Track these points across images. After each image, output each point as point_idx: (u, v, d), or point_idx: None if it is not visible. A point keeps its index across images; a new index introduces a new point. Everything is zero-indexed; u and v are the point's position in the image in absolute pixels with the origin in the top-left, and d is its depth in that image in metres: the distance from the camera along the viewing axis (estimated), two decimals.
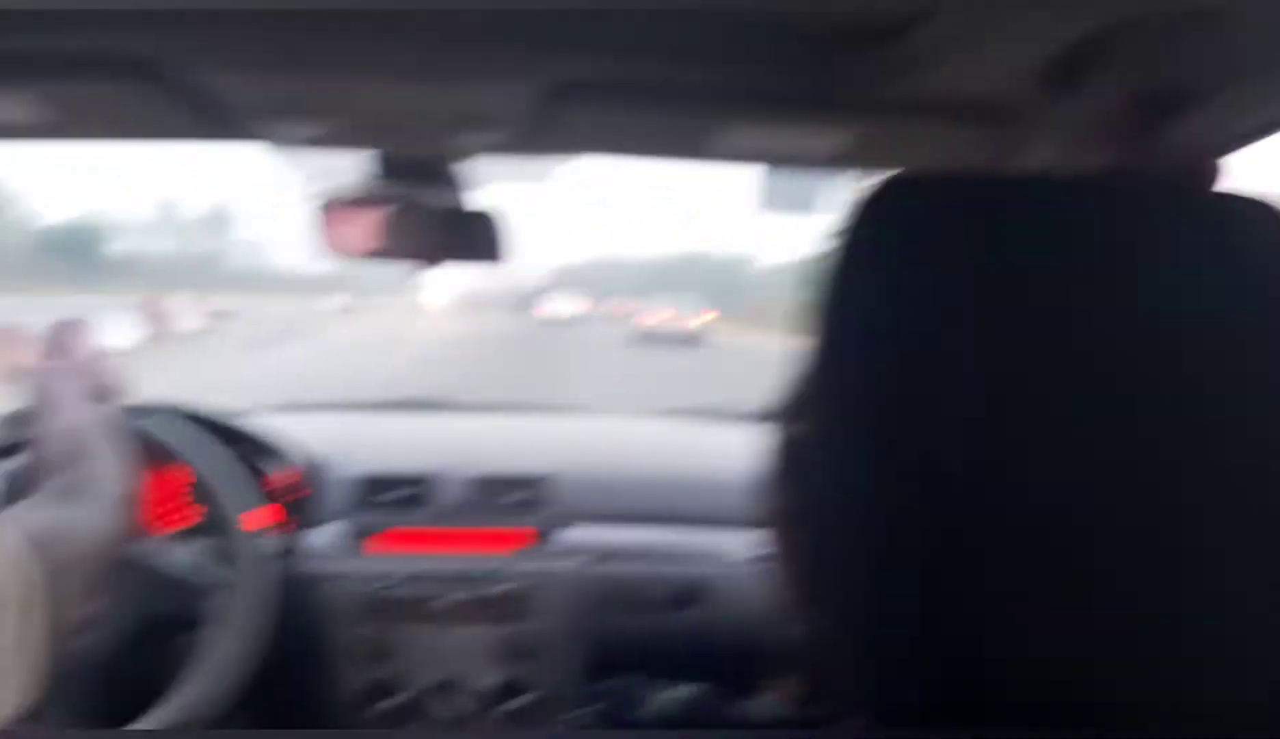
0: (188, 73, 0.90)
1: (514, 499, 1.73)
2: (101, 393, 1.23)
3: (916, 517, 0.43)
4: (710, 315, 24.54)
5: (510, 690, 1.64)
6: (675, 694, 0.70)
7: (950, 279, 0.44)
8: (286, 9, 0.82)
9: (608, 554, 1.69)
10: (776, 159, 1.09)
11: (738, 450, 1.96)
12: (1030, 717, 0.44)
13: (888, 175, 0.49)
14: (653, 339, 22.84)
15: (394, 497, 1.71)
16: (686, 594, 1.67)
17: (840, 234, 0.50)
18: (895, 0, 0.77)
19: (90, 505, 0.88)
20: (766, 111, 0.93)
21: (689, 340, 23.13)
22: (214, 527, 1.65)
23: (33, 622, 0.69)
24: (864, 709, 0.50)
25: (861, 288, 0.47)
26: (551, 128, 0.99)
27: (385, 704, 1.63)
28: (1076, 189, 0.48)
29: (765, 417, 1.94)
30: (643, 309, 25.51)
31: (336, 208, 1.26)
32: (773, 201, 1.30)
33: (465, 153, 1.13)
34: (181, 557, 1.40)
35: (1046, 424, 0.42)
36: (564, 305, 33.07)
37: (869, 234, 0.48)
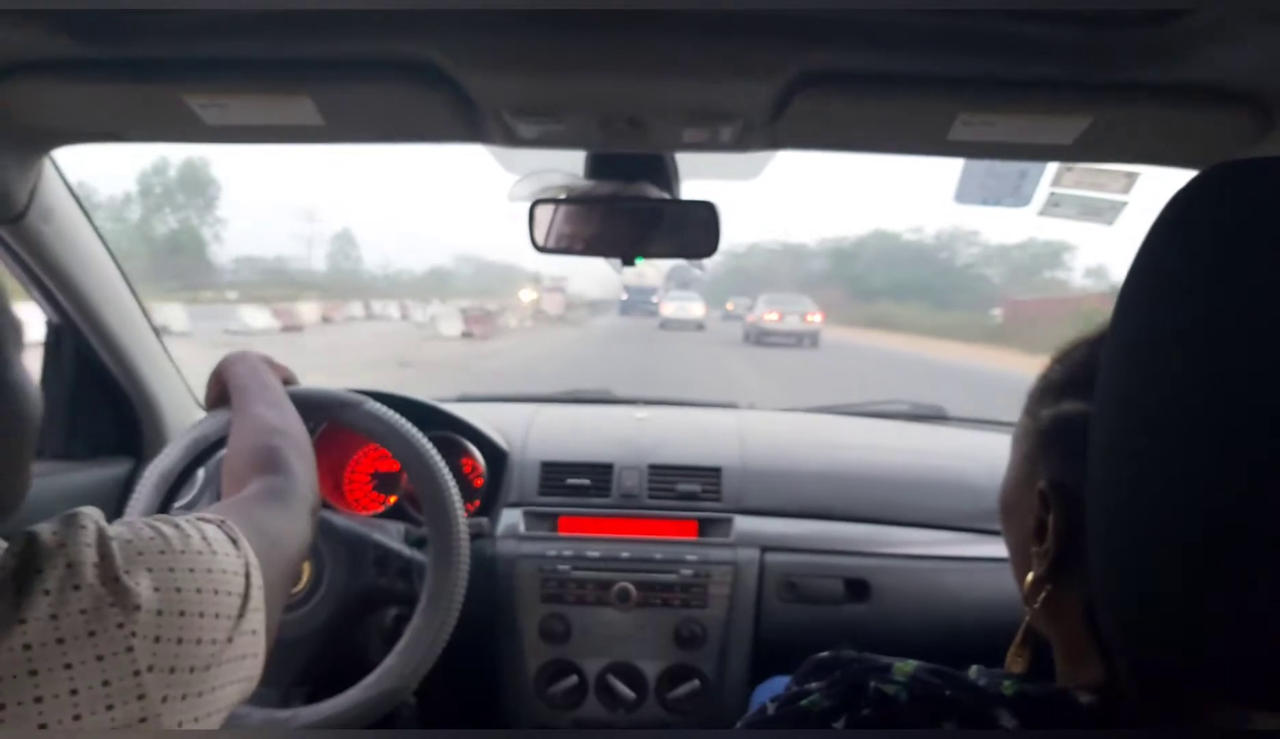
0: (451, 76, 0.97)
1: (689, 488, 1.77)
2: (286, 380, 1.33)
3: (1238, 502, 0.45)
4: (819, 316, 24.44)
5: (680, 675, 1.69)
6: (903, 667, 0.72)
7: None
8: (539, 9, 0.88)
9: (778, 545, 1.72)
10: (1011, 150, 1.10)
11: (894, 446, 1.99)
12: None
13: (1220, 164, 0.50)
14: (771, 337, 22.96)
15: (576, 483, 1.78)
16: (858, 588, 1.68)
17: (1168, 222, 0.51)
18: None
19: (295, 512, 0.98)
20: (1011, 99, 0.94)
21: (807, 338, 23.32)
22: (408, 510, 1.75)
23: (263, 621, 0.78)
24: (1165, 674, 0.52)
25: (1192, 272, 0.48)
26: (786, 122, 1.03)
27: (561, 684, 1.69)
28: None
29: (923, 414, 1.91)
30: (758, 308, 25.42)
31: (544, 204, 1.32)
32: (970, 194, 1.29)
33: (692, 147, 1.17)
34: (386, 537, 1.48)
35: None
36: (685, 307, 31.47)
37: (1200, 220, 0.49)
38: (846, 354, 20.70)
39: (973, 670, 0.71)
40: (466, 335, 23.75)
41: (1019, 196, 1.32)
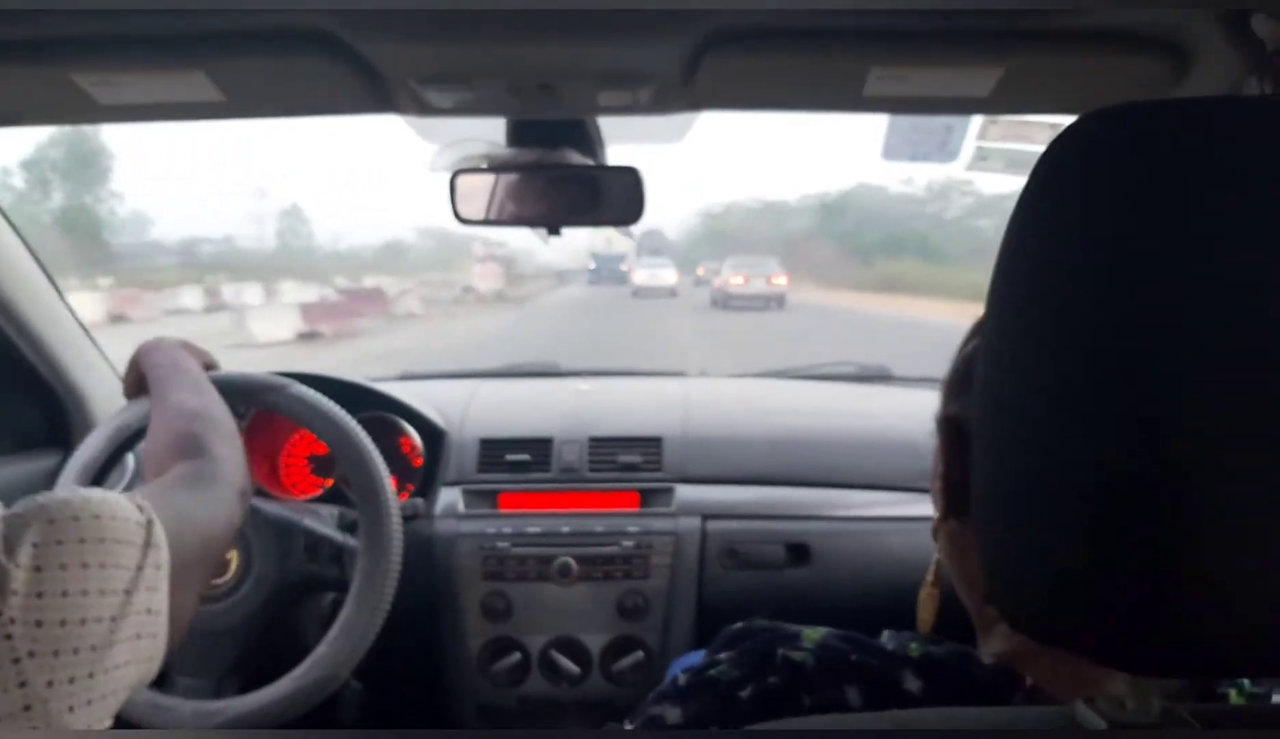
0: (349, 45, 0.94)
1: (630, 460, 1.76)
2: (207, 365, 1.30)
3: (1104, 436, 0.44)
4: (784, 278, 24.47)
5: (624, 647, 1.68)
6: (812, 634, 0.72)
7: (1164, 205, 0.44)
8: None
9: (720, 512, 1.72)
10: (929, 104, 1.08)
11: (839, 409, 1.99)
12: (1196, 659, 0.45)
13: (1089, 113, 0.49)
14: (737, 300, 23.02)
15: (515, 459, 1.76)
16: (800, 552, 1.68)
17: (1045, 174, 0.50)
18: None
19: (219, 495, 0.95)
20: (923, 51, 0.93)
21: (774, 301, 23.36)
22: (346, 492, 1.72)
23: (164, 600, 0.75)
24: (1038, 637, 0.51)
25: (1078, 215, 0.47)
26: (700, 83, 1.00)
27: (504, 662, 1.68)
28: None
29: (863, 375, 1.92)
30: (724, 272, 25.39)
31: (466, 174, 1.29)
32: (897, 150, 1.28)
33: (609, 111, 1.14)
34: (317, 522, 1.45)
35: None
36: (657, 274, 30.76)
37: (1078, 167, 0.48)
38: (886, 336, 15.10)
39: (885, 635, 0.71)
40: (308, 337, 17.00)
41: (946, 151, 1.31)
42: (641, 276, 30.84)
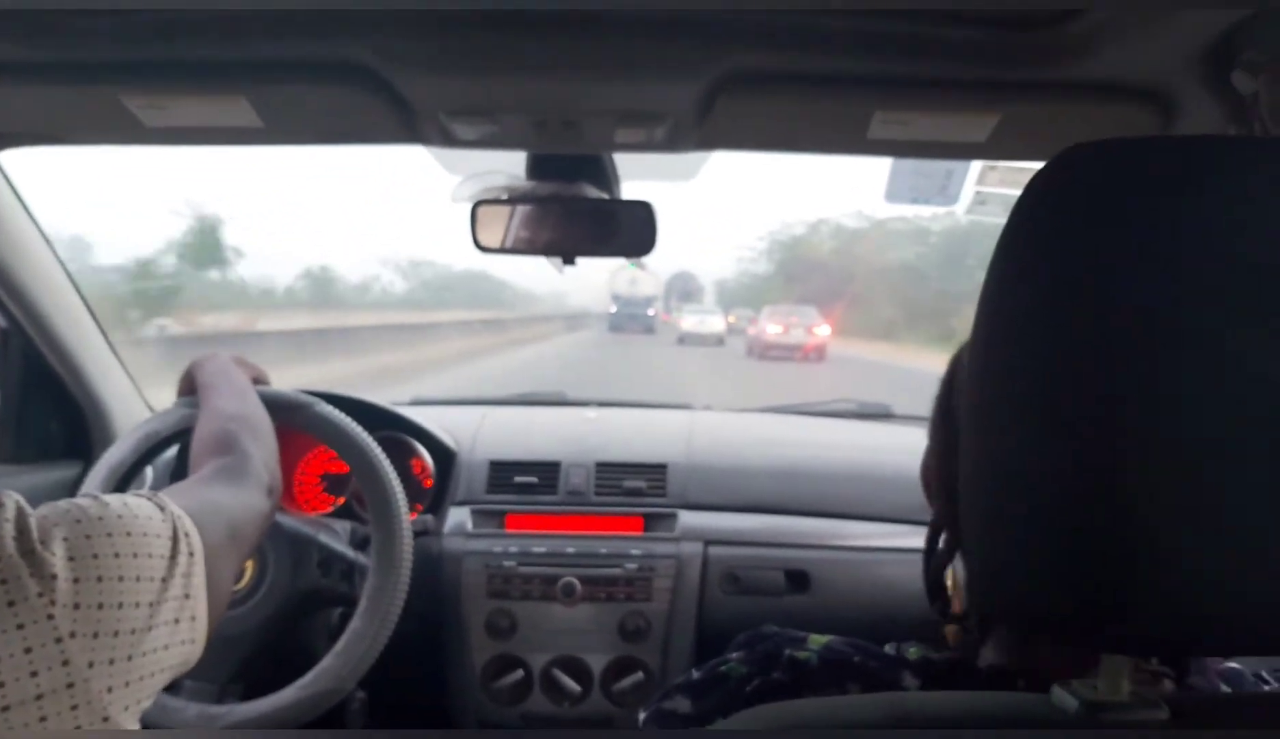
0: (384, 77, 1.00)
1: (635, 485, 1.80)
2: (256, 379, 1.36)
3: (1082, 451, 0.48)
4: (827, 327, 24.04)
5: (625, 667, 1.72)
6: (819, 638, 0.77)
7: (1136, 240, 0.48)
8: (469, 11, 0.91)
9: (721, 539, 1.76)
10: (929, 148, 1.14)
11: (840, 442, 2.04)
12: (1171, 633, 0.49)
13: (1070, 147, 0.54)
14: (775, 350, 22.59)
15: (523, 481, 1.80)
16: (799, 579, 1.72)
17: (1028, 203, 0.55)
18: None
19: (246, 487, 1.00)
20: (924, 98, 0.99)
21: (814, 353, 22.69)
22: (357, 511, 1.77)
23: (201, 584, 0.79)
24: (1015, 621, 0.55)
25: (1058, 249, 0.51)
26: (713, 122, 1.07)
27: (507, 679, 1.72)
28: (1253, 148, 0.52)
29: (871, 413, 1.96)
30: (761, 320, 24.97)
31: (487, 205, 1.35)
32: (899, 193, 1.34)
33: (626, 148, 1.20)
34: (331, 538, 1.49)
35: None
36: (705, 321, 29.77)
37: (1055, 201, 0.52)
38: None
39: (886, 646, 0.75)
40: None
41: (946, 195, 1.37)
42: (689, 323, 29.82)
